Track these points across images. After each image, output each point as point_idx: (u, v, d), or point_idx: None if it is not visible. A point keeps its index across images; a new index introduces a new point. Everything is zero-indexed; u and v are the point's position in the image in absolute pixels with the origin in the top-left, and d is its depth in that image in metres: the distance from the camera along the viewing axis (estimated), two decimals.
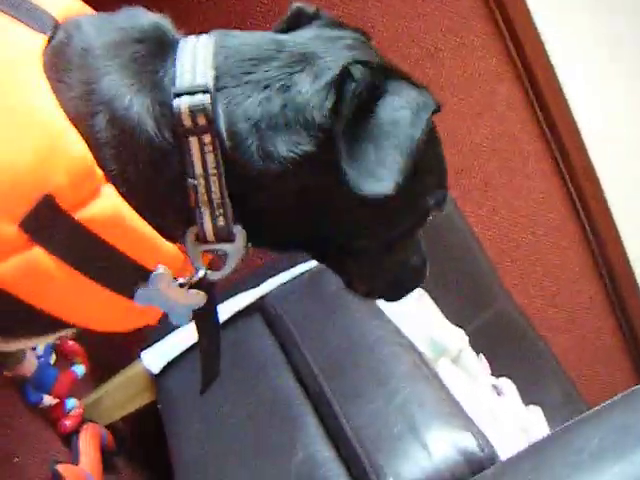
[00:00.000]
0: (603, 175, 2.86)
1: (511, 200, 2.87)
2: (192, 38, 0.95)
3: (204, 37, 0.95)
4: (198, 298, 0.94)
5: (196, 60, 0.91)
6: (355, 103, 0.87)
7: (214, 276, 0.94)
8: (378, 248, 1.02)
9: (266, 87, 0.91)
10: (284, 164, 0.89)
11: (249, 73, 0.92)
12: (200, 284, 0.94)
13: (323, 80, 0.90)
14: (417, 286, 1.14)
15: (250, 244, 0.96)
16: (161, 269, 0.89)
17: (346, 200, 0.91)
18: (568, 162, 2.84)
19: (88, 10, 1.00)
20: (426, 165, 0.96)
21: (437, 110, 0.91)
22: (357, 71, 0.88)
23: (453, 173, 1.02)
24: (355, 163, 0.87)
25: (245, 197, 0.92)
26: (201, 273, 0.93)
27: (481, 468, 1.42)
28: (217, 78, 0.90)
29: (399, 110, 0.88)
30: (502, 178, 2.84)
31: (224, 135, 0.89)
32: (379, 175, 0.86)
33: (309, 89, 0.90)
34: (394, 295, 1.14)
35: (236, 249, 0.93)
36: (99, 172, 0.84)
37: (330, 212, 0.94)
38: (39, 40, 0.88)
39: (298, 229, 0.97)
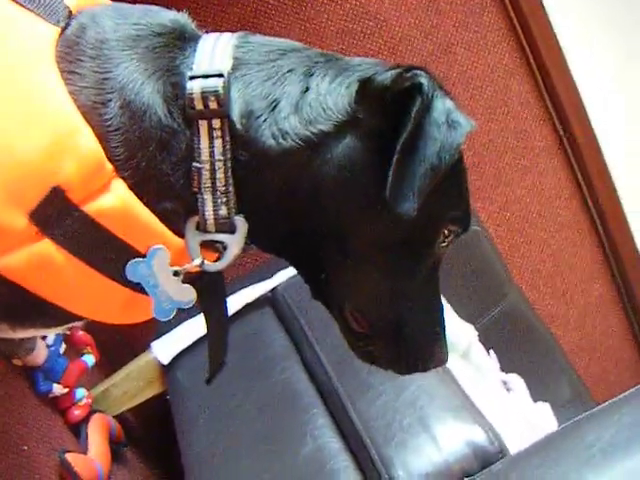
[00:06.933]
0: (616, 172, 2.85)
1: (522, 196, 2.86)
2: (214, 34, 0.96)
3: (227, 34, 0.96)
4: (187, 294, 0.92)
5: (215, 50, 0.92)
6: (379, 95, 0.88)
7: (211, 267, 0.92)
8: (379, 263, 0.96)
9: (289, 71, 0.92)
10: (297, 142, 0.89)
11: (272, 60, 0.93)
12: (198, 277, 0.93)
13: (350, 72, 0.92)
14: (424, 356, 1.03)
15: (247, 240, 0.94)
16: (161, 247, 0.88)
17: (349, 188, 0.91)
18: (580, 159, 2.83)
19: (103, 0, 1.00)
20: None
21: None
22: (387, 73, 0.89)
23: None
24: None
25: (249, 183, 0.91)
26: (197, 262, 0.91)
27: (490, 462, 1.42)
28: (236, 66, 0.91)
29: (432, 126, 0.87)
30: (514, 174, 2.83)
31: (236, 118, 0.89)
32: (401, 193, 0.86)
33: (334, 78, 0.92)
34: (393, 349, 1.02)
35: (236, 241, 0.92)
36: (109, 166, 0.84)
37: (332, 197, 0.92)
38: (52, 31, 0.88)
39: (297, 218, 0.94)
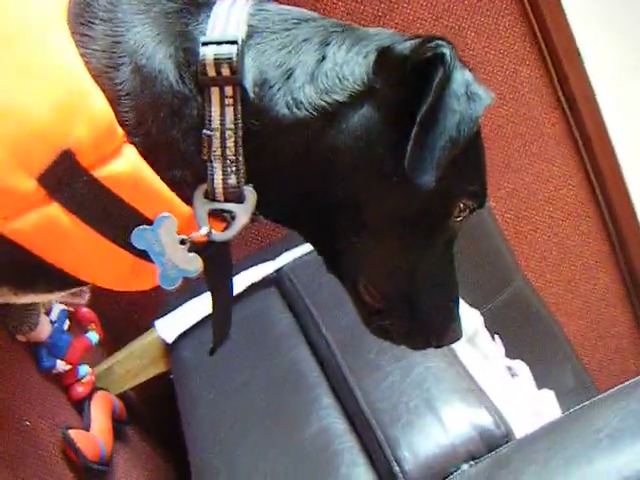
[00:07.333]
0: (624, 161, 2.83)
1: (530, 183, 2.84)
2: (228, 0, 0.94)
3: (242, 0, 0.94)
4: (193, 263, 0.91)
5: (229, 17, 0.90)
6: (398, 64, 0.87)
7: (218, 237, 0.92)
8: (394, 236, 0.96)
9: (305, 40, 0.91)
10: (312, 112, 0.88)
11: (287, 29, 0.91)
12: (205, 247, 0.93)
13: (368, 42, 0.91)
14: (439, 330, 1.04)
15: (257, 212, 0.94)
16: (168, 214, 0.87)
17: (365, 158, 0.90)
18: (589, 147, 2.81)
19: None
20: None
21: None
22: (407, 43, 0.88)
23: None
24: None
25: (261, 153, 0.90)
26: (204, 230, 0.91)
27: (496, 445, 1.41)
28: (250, 34, 0.90)
29: (452, 98, 0.86)
30: (522, 161, 2.81)
31: (248, 86, 0.88)
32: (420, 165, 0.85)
33: (351, 47, 0.90)
34: (407, 324, 1.03)
35: (244, 210, 0.91)
36: (120, 131, 0.84)
37: (347, 168, 0.91)
38: None
39: (311, 188, 0.93)
